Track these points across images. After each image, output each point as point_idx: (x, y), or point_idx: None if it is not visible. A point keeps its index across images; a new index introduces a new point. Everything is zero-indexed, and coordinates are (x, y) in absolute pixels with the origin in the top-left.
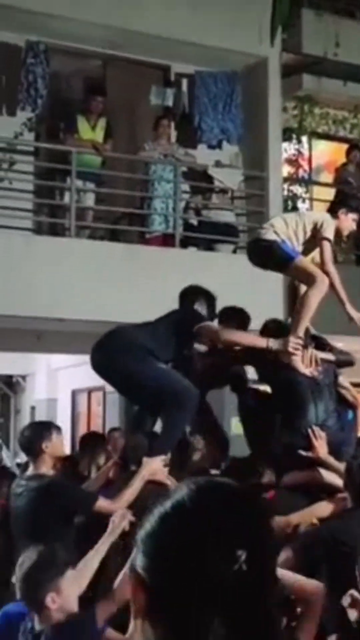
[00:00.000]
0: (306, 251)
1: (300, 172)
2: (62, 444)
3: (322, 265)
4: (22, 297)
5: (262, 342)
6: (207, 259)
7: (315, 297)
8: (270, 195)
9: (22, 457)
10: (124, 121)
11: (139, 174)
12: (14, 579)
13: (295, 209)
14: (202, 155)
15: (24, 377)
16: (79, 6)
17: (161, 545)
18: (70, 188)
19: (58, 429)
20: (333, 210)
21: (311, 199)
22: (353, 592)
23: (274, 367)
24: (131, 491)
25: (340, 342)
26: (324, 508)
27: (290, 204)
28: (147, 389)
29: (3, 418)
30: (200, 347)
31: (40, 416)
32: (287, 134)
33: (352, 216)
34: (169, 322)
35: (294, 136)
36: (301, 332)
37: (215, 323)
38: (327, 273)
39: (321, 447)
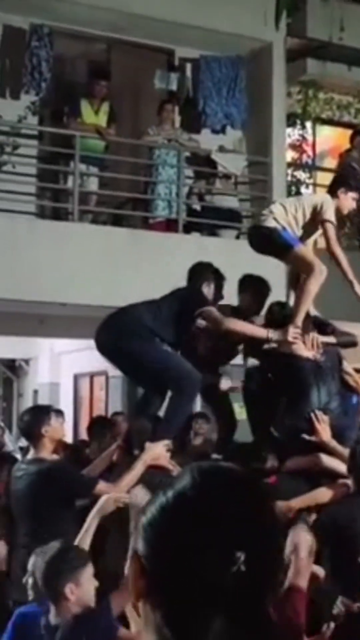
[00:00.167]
0: (306, 234)
1: (304, 158)
2: (62, 427)
3: (327, 247)
4: (25, 281)
5: (262, 333)
6: (210, 244)
7: (314, 286)
8: (274, 181)
9: (25, 441)
10: (128, 105)
11: (142, 158)
12: (29, 566)
13: (298, 194)
14: (206, 140)
15: (26, 361)
16: None
17: (161, 535)
18: (73, 172)
19: (57, 412)
20: (332, 189)
21: (315, 185)
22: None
23: (275, 352)
24: (132, 475)
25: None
26: (325, 493)
27: (293, 190)
28: (151, 370)
29: (6, 402)
30: (202, 322)
31: (43, 400)
32: (291, 119)
33: (352, 195)
34: (173, 300)
35: (298, 121)
36: (300, 321)
37: (216, 309)
38: (333, 254)
39: (324, 431)
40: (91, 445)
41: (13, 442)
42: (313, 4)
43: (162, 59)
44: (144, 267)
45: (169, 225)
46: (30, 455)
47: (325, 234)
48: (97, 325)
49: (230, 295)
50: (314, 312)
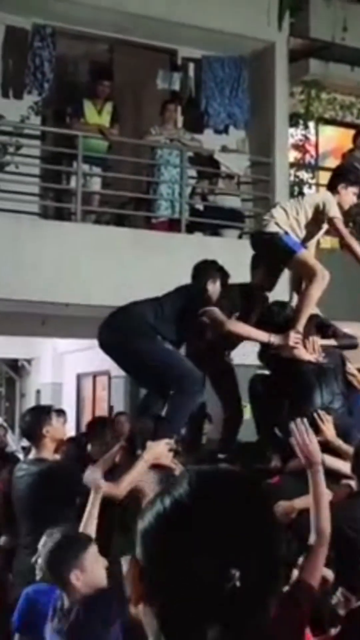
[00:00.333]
0: (309, 234)
1: (307, 158)
2: (63, 427)
3: (341, 241)
4: (27, 281)
5: (264, 337)
6: (212, 244)
7: (316, 291)
8: (277, 181)
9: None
10: (131, 105)
11: (145, 158)
12: (39, 545)
13: (301, 194)
14: (209, 140)
15: (29, 361)
16: None
17: (157, 543)
18: (76, 172)
19: (59, 412)
20: (332, 185)
21: (317, 185)
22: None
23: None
24: (133, 474)
25: (346, 329)
26: (329, 493)
27: (296, 190)
28: (153, 369)
29: (8, 402)
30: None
31: (46, 400)
32: (294, 119)
33: (352, 189)
34: (176, 298)
35: (301, 121)
36: (301, 326)
37: (219, 311)
38: (348, 247)
39: (328, 430)
40: (92, 445)
41: (16, 442)
42: (316, 4)
43: (164, 59)
44: (146, 267)
45: (172, 225)
46: (32, 455)
47: (335, 230)
48: (99, 325)
49: None
50: (316, 310)
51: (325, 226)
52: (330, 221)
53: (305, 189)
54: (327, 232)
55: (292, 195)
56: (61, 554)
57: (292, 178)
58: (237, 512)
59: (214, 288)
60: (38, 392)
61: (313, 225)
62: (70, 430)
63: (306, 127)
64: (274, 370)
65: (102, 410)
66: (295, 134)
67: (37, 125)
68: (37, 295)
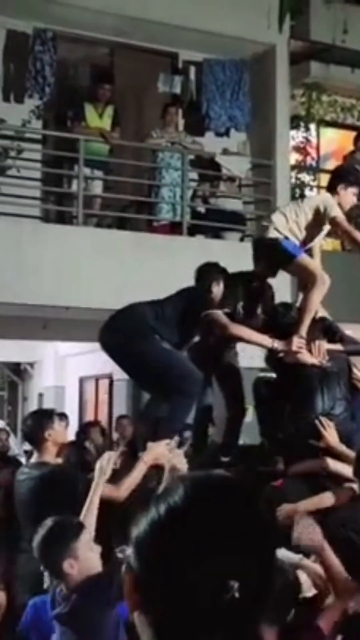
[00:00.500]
0: (309, 236)
1: (308, 160)
2: (65, 431)
3: (348, 237)
4: (29, 285)
5: (267, 342)
6: (214, 246)
7: (317, 296)
8: (278, 183)
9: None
10: (132, 109)
11: (146, 161)
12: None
13: (302, 197)
14: (210, 142)
15: (31, 365)
16: None
17: (151, 552)
18: (77, 176)
19: (61, 416)
20: (332, 186)
21: (319, 187)
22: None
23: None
24: (134, 476)
25: (348, 330)
26: (331, 496)
27: (297, 192)
28: (154, 370)
29: (11, 405)
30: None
31: (48, 403)
32: (295, 122)
33: (352, 190)
34: (178, 300)
35: (302, 124)
36: (304, 331)
37: (223, 314)
38: (354, 240)
39: (330, 436)
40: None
41: (18, 446)
42: (316, 6)
43: (165, 63)
44: (148, 270)
45: (173, 228)
46: (34, 459)
47: (340, 229)
48: (100, 327)
49: None
50: (325, 313)
51: (326, 228)
52: (333, 221)
53: (307, 192)
54: (329, 234)
55: (293, 197)
56: (53, 544)
57: (293, 180)
58: (232, 520)
59: (218, 290)
60: (40, 395)
61: (313, 228)
62: (71, 434)
63: (307, 129)
64: (278, 373)
65: (104, 414)
66: (297, 137)
67: (39, 129)
68: (38, 299)
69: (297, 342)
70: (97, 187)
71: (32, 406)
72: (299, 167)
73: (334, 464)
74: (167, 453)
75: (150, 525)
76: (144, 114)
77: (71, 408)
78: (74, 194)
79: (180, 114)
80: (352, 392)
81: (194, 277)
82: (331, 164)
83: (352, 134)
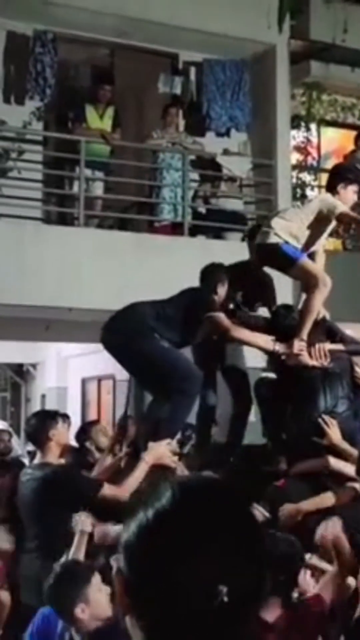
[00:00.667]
0: (312, 239)
1: (309, 160)
2: (68, 432)
3: (357, 227)
4: (31, 286)
5: (269, 345)
6: (215, 247)
7: (318, 299)
8: (279, 183)
9: (32, 446)
10: (132, 110)
11: (147, 162)
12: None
13: (304, 196)
14: (211, 143)
15: (34, 366)
16: None
17: (141, 556)
18: (79, 177)
19: (64, 417)
20: (331, 186)
21: (320, 187)
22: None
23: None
24: (135, 477)
25: (348, 330)
26: (333, 496)
27: (298, 192)
28: (155, 369)
29: (14, 406)
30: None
31: (51, 404)
32: (296, 122)
33: (352, 188)
34: (181, 301)
35: (303, 123)
36: (305, 334)
37: (224, 316)
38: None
39: (333, 434)
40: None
41: (21, 447)
42: (316, 6)
43: (165, 63)
44: (149, 270)
45: (175, 229)
46: (37, 460)
47: (349, 218)
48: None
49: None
50: (326, 315)
51: (329, 228)
52: (340, 216)
53: (308, 191)
54: (330, 234)
55: (294, 197)
56: (64, 589)
57: (294, 180)
58: (221, 523)
59: (223, 291)
60: (43, 396)
61: (316, 229)
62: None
63: (308, 129)
64: (280, 373)
65: (107, 414)
66: (297, 136)
67: (39, 130)
68: (40, 300)
69: (298, 345)
70: (98, 188)
71: (35, 407)
72: (300, 167)
73: (336, 463)
74: (168, 452)
75: (139, 529)
76: (145, 115)
77: (73, 409)
78: (75, 195)
79: (181, 115)
80: (354, 391)
81: (198, 278)
82: (332, 164)
83: (353, 133)
